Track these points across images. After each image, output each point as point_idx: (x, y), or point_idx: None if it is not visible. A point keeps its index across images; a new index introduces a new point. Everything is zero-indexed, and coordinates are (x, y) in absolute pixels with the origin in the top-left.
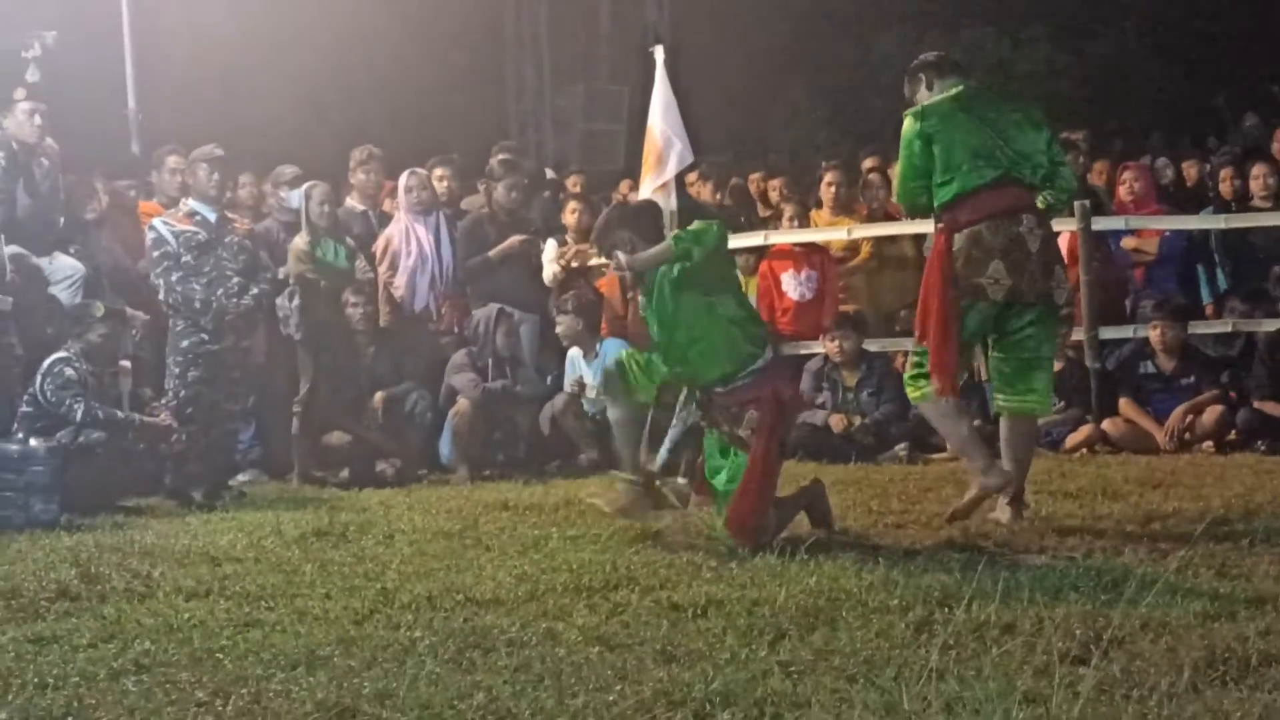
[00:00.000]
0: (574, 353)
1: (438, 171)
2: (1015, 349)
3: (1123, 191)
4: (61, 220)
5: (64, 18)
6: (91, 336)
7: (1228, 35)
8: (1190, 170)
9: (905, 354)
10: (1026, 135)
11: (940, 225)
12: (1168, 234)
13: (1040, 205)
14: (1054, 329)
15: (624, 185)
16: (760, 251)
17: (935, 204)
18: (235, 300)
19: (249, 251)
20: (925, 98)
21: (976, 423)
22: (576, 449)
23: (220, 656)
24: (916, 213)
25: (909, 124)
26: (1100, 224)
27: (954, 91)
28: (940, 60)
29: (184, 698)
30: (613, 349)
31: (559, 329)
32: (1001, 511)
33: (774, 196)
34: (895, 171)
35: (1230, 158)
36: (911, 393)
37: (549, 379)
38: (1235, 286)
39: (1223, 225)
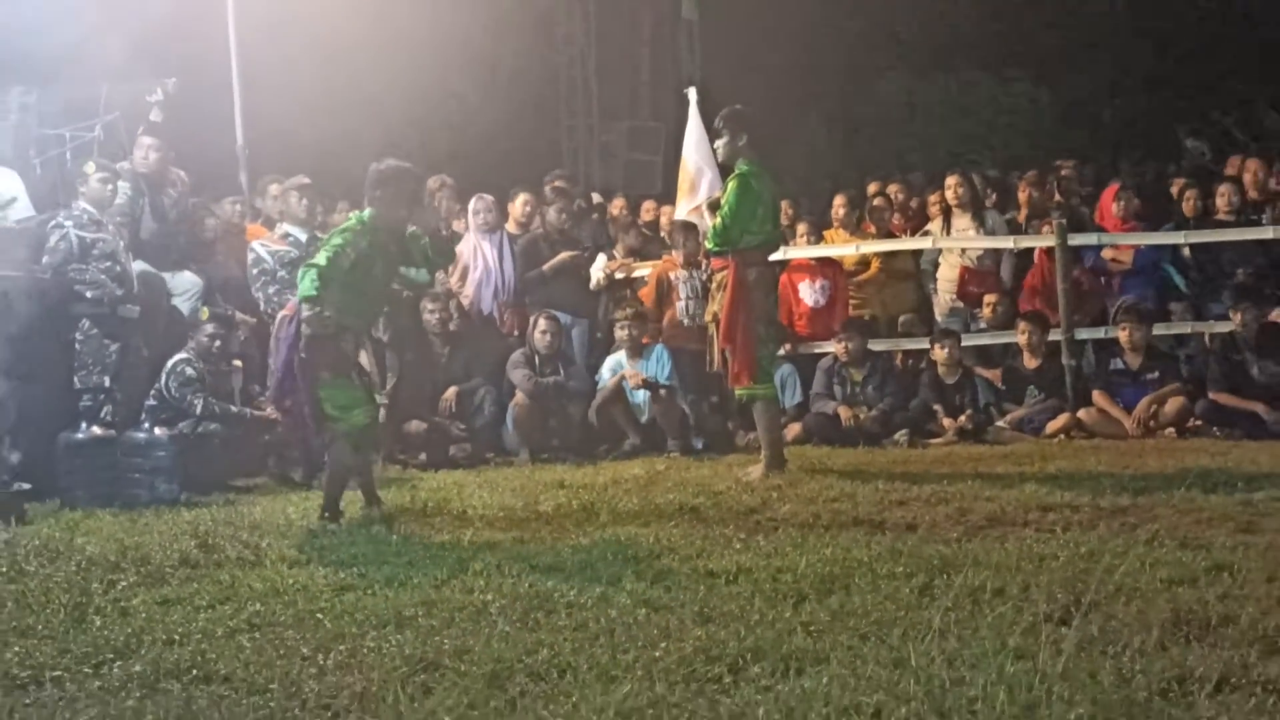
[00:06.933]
0: (612, 359)
1: (521, 197)
2: None
3: (1115, 209)
4: (183, 240)
5: (183, 67)
6: (201, 338)
7: (1188, 73)
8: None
9: (904, 353)
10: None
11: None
12: (1142, 247)
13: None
14: None
15: (647, 204)
16: (780, 264)
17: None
18: None
19: None
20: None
21: None
22: (623, 435)
23: (320, 616)
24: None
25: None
26: (1076, 240)
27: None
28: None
29: (290, 652)
30: (659, 352)
31: (619, 335)
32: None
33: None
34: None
35: (1193, 181)
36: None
37: (598, 376)
38: (1199, 294)
39: (1181, 240)
